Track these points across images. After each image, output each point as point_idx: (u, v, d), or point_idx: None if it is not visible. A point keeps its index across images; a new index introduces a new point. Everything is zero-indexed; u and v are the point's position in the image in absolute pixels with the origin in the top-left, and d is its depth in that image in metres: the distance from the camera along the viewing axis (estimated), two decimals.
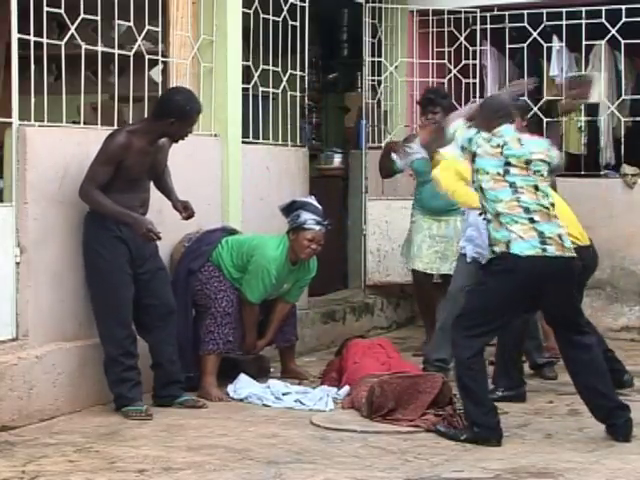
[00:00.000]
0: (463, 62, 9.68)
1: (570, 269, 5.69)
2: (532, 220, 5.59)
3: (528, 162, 5.70)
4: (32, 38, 6.09)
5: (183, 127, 6.16)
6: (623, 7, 8.99)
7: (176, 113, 6.09)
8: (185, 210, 6.42)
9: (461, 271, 7.12)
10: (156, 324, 6.30)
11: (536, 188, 5.67)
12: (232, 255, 6.84)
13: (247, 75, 8.02)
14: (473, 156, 5.74)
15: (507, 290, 5.59)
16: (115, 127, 6.44)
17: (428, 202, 7.99)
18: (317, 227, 6.81)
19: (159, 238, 6.13)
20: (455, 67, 9.66)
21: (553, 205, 5.75)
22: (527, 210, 5.60)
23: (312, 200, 7.03)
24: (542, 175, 5.73)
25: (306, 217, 6.80)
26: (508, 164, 5.67)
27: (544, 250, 5.56)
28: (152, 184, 6.40)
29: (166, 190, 6.49)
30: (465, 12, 9.62)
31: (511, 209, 5.60)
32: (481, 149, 5.70)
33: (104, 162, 6.02)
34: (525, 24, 9.33)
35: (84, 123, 6.50)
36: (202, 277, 6.82)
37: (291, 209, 6.90)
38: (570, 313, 5.77)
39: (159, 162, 6.32)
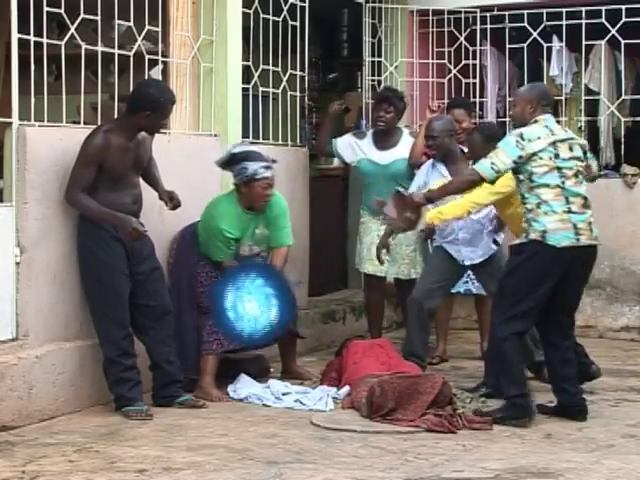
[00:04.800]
0: (463, 62, 9.68)
1: (595, 255, 6.10)
2: (569, 210, 5.87)
3: (571, 147, 5.98)
4: (32, 38, 6.09)
5: (158, 119, 6.15)
6: (623, 7, 8.99)
7: (150, 105, 6.06)
8: (171, 200, 6.42)
9: (431, 269, 7.38)
10: (152, 325, 6.30)
11: (576, 175, 5.96)
12: None
13: (247, 75, 8.02)
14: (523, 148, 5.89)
15: (535, 273, 5.89)
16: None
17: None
18: (268, 173, 6.77)
19: (145, 237, 6.11)
20: (455, 67, 9.67)
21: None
22: (567, 199, 5.88)
23: (249, 147, 6.97)
24: (581, 161, 6.03)
25: (254, 167, 6.72)
26: (556, 148, 5.91)
27: (578, 240, 5.90)
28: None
29: (152, 181, 6.48)
30: (465, 12, 9.63)
31: (555, 196, 5.86)
32: (535, 136, 5.90)
33: (85, 165, 6.01)
34: (525, 24, 9.33)
35: (84, 123, 6.49)
36: (201, 278, 6.81)
37: (233, 162, 6.80)
38: (576, 301, 6.23)
39: (141, 157, 6.29)
